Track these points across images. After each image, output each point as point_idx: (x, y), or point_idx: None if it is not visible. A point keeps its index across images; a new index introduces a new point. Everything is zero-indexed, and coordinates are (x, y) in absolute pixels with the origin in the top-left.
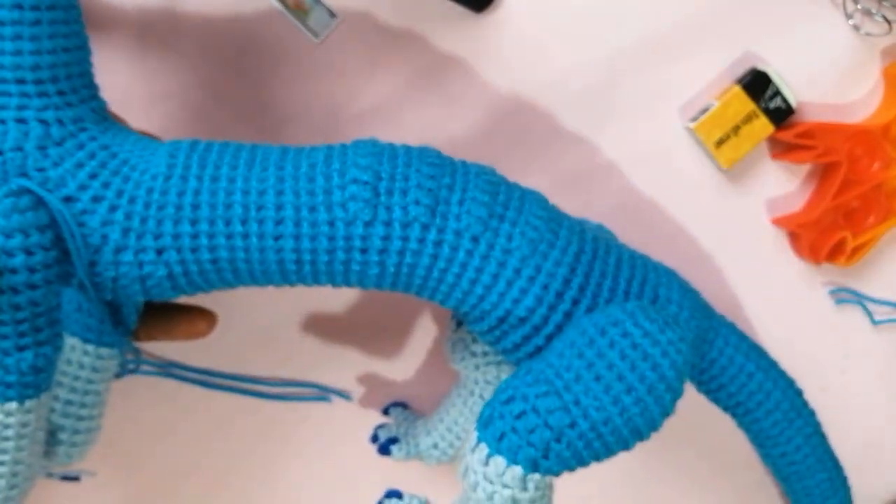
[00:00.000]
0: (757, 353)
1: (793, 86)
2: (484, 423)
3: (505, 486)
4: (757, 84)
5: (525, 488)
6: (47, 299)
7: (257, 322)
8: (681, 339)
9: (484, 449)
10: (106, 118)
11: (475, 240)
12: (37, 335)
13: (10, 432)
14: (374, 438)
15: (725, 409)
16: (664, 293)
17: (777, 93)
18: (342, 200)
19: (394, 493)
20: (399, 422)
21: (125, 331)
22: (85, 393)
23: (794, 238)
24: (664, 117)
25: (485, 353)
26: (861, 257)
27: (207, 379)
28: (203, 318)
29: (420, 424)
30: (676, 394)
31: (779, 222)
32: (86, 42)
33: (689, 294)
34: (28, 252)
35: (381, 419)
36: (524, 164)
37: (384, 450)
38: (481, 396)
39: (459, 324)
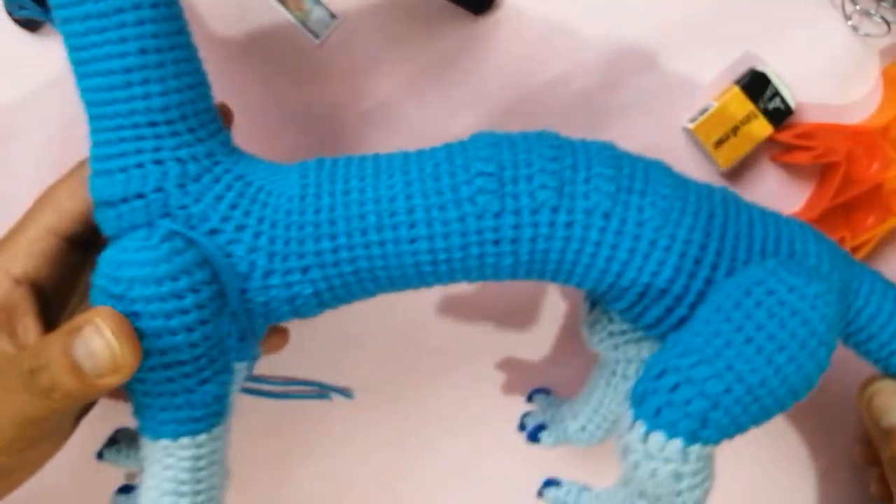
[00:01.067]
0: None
1: (792, 86)
2: (638, 400)
3: (667, 460)
4: (756, 85)
5: (687, 461)
6: (217, 331)
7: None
8: (828, 291)
9: (641, 426)
10: (235, 150)
11: (606, 216)
12: (213, 366)
13: (203, 462)
14: (522, 427)
15: (876, 361)
16: (801, 247)
17: (776, 93)
18: (470, 195)
19: (552, 482)
20: (544, 408)
21: (255, 342)
22: None
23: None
24: (663, 118)
25: (623, 332)
26: (860, 257)
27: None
28: (280, 335)
29: (565, 409)
30: (830, 347)
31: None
32: (205, 77)
33: (825, 244)
34: (194, 290)
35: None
36: None
37: (533, 437)
38: (624, 375)
39: (594, 304)
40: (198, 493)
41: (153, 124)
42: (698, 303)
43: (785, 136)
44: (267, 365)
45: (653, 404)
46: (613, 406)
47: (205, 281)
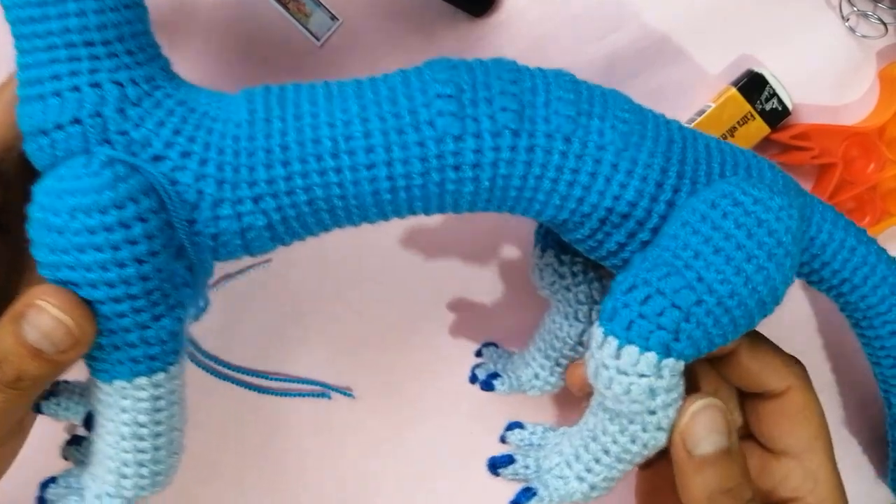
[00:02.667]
0: (855, 229)
1: (789, 88)
2: (608, 316)
3: (641, 375)
4: (753, 86)
5: (661, 375)
6: (168, 264)
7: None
8: (790, 206)
9: (613, 342)
10: (175, 76)
11: (567, 140)
12: (166, 301)
13: (162, 402)
14: (473, 378)
15: (829, 290)
16: (757, 172)
17: (773, 94)
18: (429, 118)
19: (516, 424)
20: (494, 360)
21: (204, 287)
22: None
23: None
24: None
25: (574, 274)
26: None
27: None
28: None
29: (517, 359)
30: (795, 260)
31: None
32: None
33: (779, 173)
34: (142, 219)
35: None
36: None
37: (487, 385)
38: (576, 318)
39: (544, 249)
40: (158, 435)
41: (89, 44)
42: (660, 226)
43: (782, 137)
44: (267, 363)
45: (624, 318)
46: (566, 351)
47: (152, 209)
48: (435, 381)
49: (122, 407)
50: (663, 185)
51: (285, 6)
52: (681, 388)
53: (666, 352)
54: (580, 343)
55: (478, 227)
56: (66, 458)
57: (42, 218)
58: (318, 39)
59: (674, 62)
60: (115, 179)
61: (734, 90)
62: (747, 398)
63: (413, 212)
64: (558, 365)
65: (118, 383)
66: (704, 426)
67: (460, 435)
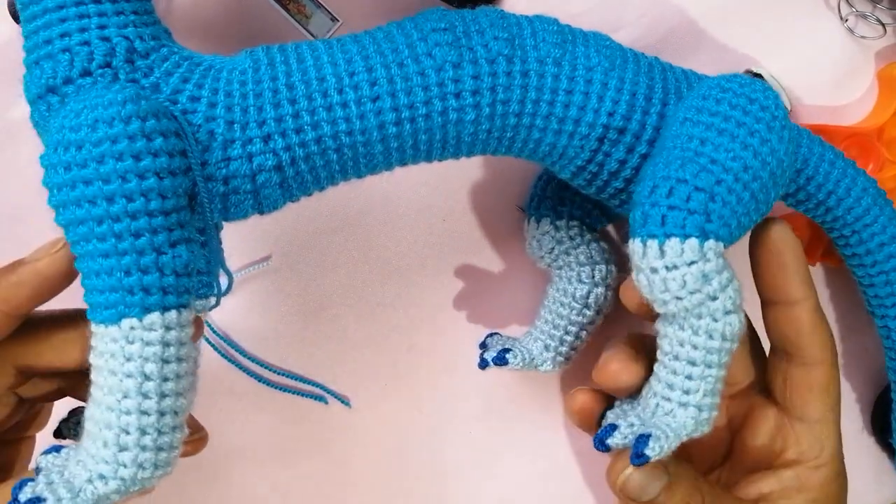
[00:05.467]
0: (831, 146)
1: (787, 88)
2: (641, 222)
3: (690, 262)
4: None
5: (707, 258)
6: (184, 194)
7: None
8: (770, 89)
9: (653, 243)
10: (176, 42)
11: (557, 63)
12: (182, 231)
13: (171, 351)
14: (483, 363)
15: (818, 207)
16: None
17: None
18: (427, 50)
19: (611, 427)
20: (501, 344)
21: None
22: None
23: None
24: None
25: (571, 238)
26: None
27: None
28: (76, 344)
29: (524, 338)
30: (792, 133)
31: None
32: None
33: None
34: (163, 135)
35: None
36: (524, 165)
37: (500, 360)
38: (579, 280)
39: (538, 220)
40: (164, 395)
41: (97, 1)
42: (655, 139)
43: None
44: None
45: (656, 216)
46: (573, 316)
47: (172, 130)
48: (436, 380)
49: (127, 354)
50: (652, 98)
51: (285, 7)
52: (730, 269)
53: (703, 234)
54: (586, 305)
55: (479, 227)
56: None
57: (60, 137)
58: None
59: (673, 62)
60: (137, 96)
61: None
62: (777, 358)
63: (417, 151)
64: (567, 333)
65: (127, 322)
66: (640, 484)
67: (460, 434)
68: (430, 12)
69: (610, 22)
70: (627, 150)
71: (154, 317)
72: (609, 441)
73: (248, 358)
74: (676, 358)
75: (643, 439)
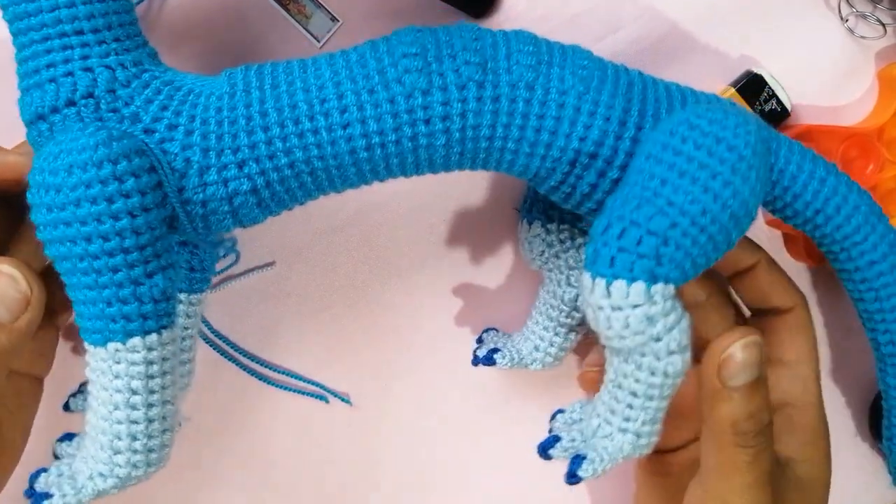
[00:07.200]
0: (824, 162)
1: (787, 88)
2: (591, 260)
3: (635, 306)
4: (752, 87)
5: (654, 301)
6: (160, 226)
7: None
8: (746, 122)
9: (601, 282)
10: (161, 63)
11: (530, 87)
12: (159, 260)
13: (155, 368)
14: (475, 360)
15: (805, 224)
16: (717, 104)
17: (772, 95)
18: (397, 76)
19: (558, 411)
20: (495, 342)
21: (207, 276)
22: (183, 339)
23: (789, 240)
24: None
25: (561, 241)
26: None
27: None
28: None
29: (515, 336)
30: (759, 172)
31: (774, 224)
32: None
33: (742, 110)
34: (135, 175)
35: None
36: None
37: (488, 360)
38: (569, 283)
39: (530, 223)
40: (151, 405)
41: (79, 32)
42: (628, 163)
43: None
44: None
45: (605, 256)
46: (562, 318)
47: (144, 168)
48: (436, 379)
49: (115, 373)
50: (626, 123)
51: (285, 7)
52: (679, 310)
53: (652, 278)
54: (575, 308)
55: (478, 226)
56: (56, 457)
57: (41, 180)
58: (318, 41)
59: (673, 63)
60: (109, 139)
61: (733, 91)
62: (754, 318)
63: (391, 172)
64: (556, 335)
65: (112, 345)
66: (744, 361)
67: (460, 433)
68: (405, 33)
69: (609, 22)
70: (599, 175)
71: (136, 341)
72: (550, 452)
73: (249, 357)
74: (619, 387)
75: (577, 460)
